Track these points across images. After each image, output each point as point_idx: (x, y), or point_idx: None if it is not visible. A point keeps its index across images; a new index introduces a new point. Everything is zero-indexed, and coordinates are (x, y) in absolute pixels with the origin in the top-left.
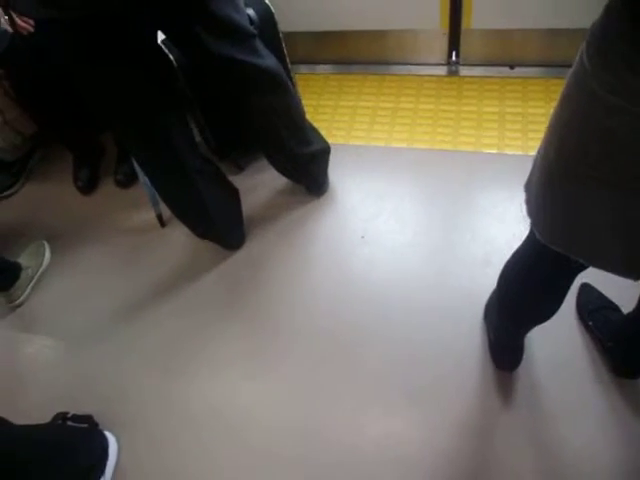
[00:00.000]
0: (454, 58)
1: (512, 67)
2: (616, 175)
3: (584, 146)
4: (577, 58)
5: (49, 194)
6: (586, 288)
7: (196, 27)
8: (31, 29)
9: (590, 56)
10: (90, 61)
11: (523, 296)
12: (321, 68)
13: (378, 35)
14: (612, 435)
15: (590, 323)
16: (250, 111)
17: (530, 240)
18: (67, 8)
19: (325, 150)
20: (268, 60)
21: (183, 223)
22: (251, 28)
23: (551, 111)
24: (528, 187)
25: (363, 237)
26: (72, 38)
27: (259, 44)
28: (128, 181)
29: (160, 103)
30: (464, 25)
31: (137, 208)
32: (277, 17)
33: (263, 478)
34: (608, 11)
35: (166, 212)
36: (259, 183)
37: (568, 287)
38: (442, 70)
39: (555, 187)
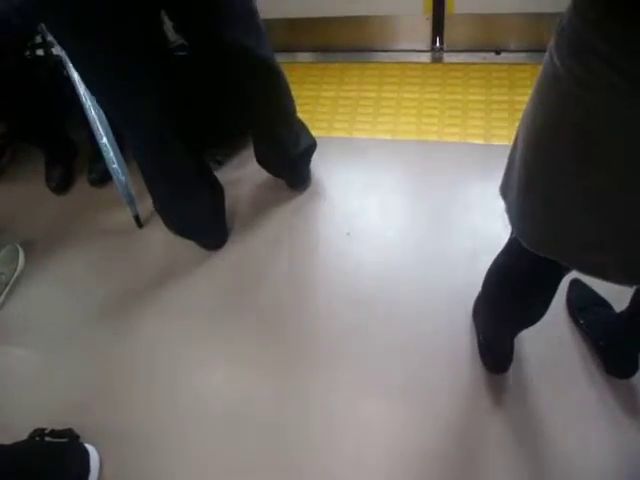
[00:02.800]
0: (438, 44)
1: (498, 52)
2: (605, 178)
3: (566, 151)
4: (546, 57)
5: (21, 196)
6: (576, 284)
7: (212, 11)
8: None
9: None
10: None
11: (508, 301)
12: (301, 57)
13: (360, 21)
14: (604, 436)
15: (581, 321)
16: (249, 101)
17: (512, 246)
18: None
19: (312, 146)
20: (265, 50)
21: (163, 217)
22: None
23: None
24: (505, 192)
25: (349, 234)
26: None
27: (262, 33)
28: (103, 180)
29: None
30: (448, 10)
31: (113, 208)
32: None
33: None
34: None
35: (143, 213)
36: (239, 178)
37: (555, 290)
38: (426, 57)
39: (539, 192)
